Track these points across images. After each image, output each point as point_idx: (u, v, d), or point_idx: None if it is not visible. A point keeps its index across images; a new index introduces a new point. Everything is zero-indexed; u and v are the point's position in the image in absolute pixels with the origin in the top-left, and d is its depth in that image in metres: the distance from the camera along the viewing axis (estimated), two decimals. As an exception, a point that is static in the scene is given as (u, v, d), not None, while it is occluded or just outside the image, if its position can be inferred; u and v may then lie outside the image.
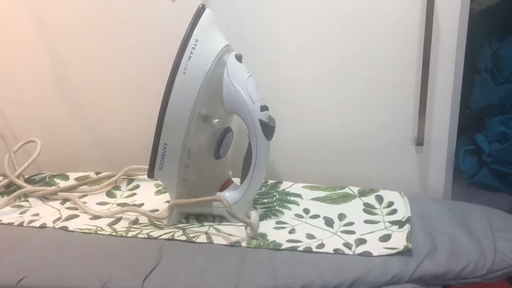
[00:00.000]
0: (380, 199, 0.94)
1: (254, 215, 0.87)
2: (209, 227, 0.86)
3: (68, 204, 0.97)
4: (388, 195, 0.95)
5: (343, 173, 1.03)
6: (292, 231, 0.85)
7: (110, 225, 0.88)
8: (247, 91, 0.81)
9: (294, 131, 1.03)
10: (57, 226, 0.87)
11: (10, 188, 1.04)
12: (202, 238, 0.82)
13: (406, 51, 0.94)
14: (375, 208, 0.92)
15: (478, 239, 0.79)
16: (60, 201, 0.98)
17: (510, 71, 0.93)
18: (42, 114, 1.12)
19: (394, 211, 0.90)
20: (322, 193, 0.98)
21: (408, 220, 0.85)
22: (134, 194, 1.01)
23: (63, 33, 1.05)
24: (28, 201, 0.99)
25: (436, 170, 1.00)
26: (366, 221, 0.87)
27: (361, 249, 0.78)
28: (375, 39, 0.95)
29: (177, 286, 0.72)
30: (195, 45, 0.78)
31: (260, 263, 0.75)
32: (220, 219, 0.89)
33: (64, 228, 0.86)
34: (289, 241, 0.81)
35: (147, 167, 0.83)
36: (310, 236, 0.82)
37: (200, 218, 0.89)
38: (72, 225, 0.87)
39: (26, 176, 1.08)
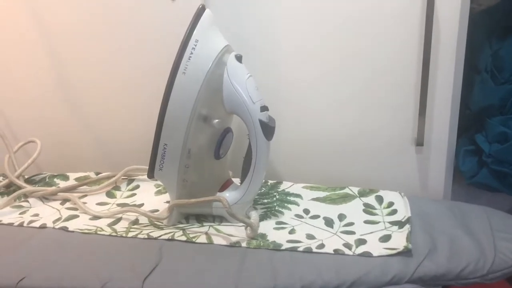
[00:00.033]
0: (380, 199, 0.94)
1: (254, 215, 0.87)
2: (209, 227, 0.86)
3: (68, 205, 0.97)
4: (388, 195, 0.95)
5: (343, 173, 1.03)
6: (292, 232, 0.85)
7: (110, 225, 0.88)
8: (247, 91, 0.81)
9: (294, 131, 1.03)
10: (57, 227, 0.87)
11: (10, 188, 1.04)
12: (202, 239, 0.82)
13: (406, 51, 0.94)
14: (375, 209, 0.92)
15: (478, 240, 0.79)
16: (60, 202, 0.98)
17: (510, 72, 0.93)
18: (42, 114, 1.12)
19: (394, 212, 0.90)
20: (322, 194, 0.98)
21: (408, 221, 0.85)
22: (134, 194, 1.01)
23: (63, 33, 1.05)
24: (28, 201, 0.99)
25: (436, 171, 1.00)
26: (366, 222, 0.87)
27: (361, 249, 0.78)
28: (375, 39, 0.95)
29: (177, 287, 0.72)
30: (195, 45, 0.78)
31: (260, 263, 0.75)
32: (220, 219, 0.89)
33: (64, 229, 0.86)
34: (289, 241, 0.81)
35: (147, 167, 0.83)
36: (310, 237, 0.82)
37: (200, 218, 0.89)
38: (72, 225, 0.87)
39: (26, 177, 1.08)
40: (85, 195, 1.01)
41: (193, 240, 0.82)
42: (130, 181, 1.06)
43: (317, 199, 0.96)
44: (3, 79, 1.11)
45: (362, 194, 0.97)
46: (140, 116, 1.06)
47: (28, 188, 1.01)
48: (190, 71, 0.78)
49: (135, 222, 0.89)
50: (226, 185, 0.89)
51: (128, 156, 1.08)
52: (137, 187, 1.04)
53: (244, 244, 0.80)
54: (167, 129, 0.80)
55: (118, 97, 1.08)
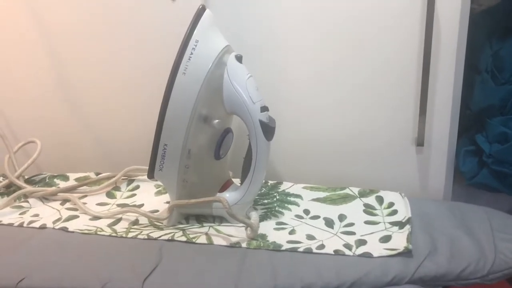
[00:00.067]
0: (380, 200, 0.94)
1: (254, 216, 0.86)
2: (209, 228, 0.86)
3: (68, 205, 0.97)
4: (389, 196, 0.95)
5: (343, 173, 1.03)
6: (292, 232, 0.85)
7: (110, 225, 0.87)
8: (247, 91, 0.81)
9: (294, 131, 1.03)
10: (57, 227, 0.87)
11: (10, 188, 1.04)
12: (202, 239, 0.82)
13: (407, 51, 0.94)
14: (376, 209, 0.92)
15: (478, 240, 0.79)
16: (60, 202, 0.98)
17: (510, 72, 0.93)
18: (42, 114, 1.12)
19: (394, 212, 0.90)
20: (322, 194, 0.98)
21: (408, 221, 0.85)
22: (134, 194, 1.01)
23: (63, 33, 1.05)
24: (28, 201, 0.99)
25: (437, 171, 0.99)
26: (367, 222, 0.87)
27: (361, 250, 0.78)
28: (375, 39, 0.95)
29: (177, 287, 0.72)
30: (195, 45, 0.78)
31: (260, 264, 0.75)
32: (220, 220, 0.88)
33: (64, 229, 0.86)
34: (289, 242, 0.81)
35: (147, 167, 0.83)
36: (310, 237, 0.82)
37: (200, 218, 0.89)
38: (72, 225, 0.87)
39: (26, 177, 1.08)
40: (85, 196, 1.01)
41: (193, 240, 0.82)
42: (130, 181, 1.06)
43: (317, 200, 0.96)
44: (3, 79, 1.11)
45: (362, 194, 0.97)
46: (140, 116, 1.06)
47: (28, 188, 1.01)
48: (190, 71, 0.78)
49: (135, 222, 0.89)
50: (226, 185, 0.89)
51: (128, 156, 1.08)
52: (137, 187, 1.04)
53: (244, 245, 0.80)
54: (167, 129, 0.80)
55: (118, 97, 1.08)
